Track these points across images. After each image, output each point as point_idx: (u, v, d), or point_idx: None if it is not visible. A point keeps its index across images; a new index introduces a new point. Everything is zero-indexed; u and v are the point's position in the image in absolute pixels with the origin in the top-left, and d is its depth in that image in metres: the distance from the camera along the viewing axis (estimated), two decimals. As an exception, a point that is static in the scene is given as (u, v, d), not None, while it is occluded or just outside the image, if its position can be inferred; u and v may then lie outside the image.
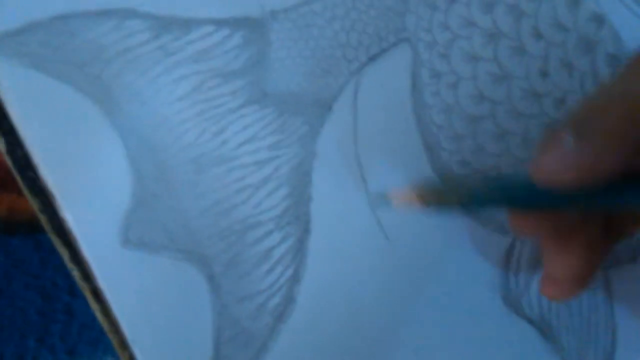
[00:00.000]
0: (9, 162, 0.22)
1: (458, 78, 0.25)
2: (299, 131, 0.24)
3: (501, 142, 0.26)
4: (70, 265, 0.22)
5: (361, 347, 0.23)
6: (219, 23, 0.23)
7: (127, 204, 0.21)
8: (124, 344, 0.22)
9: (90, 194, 0.21)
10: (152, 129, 0.22)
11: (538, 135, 0.26)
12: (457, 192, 0.20)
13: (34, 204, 0.22)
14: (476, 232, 0.25)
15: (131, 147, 0.22)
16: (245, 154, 0.23)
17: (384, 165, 0.24)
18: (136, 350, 0.20)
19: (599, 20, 0.27)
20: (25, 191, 0.22)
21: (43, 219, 0.22)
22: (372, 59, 0.24)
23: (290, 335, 0.22)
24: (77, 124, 0.22)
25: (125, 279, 0.21)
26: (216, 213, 0.22)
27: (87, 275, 0.22)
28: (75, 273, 0.22)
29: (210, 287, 0.22)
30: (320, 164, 0.24)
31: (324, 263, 0.23)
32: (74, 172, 0.21)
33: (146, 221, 0.21)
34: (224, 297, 0.22)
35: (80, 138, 0.21)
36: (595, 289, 0.26)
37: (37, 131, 0.21)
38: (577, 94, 0.27)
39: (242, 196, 0.23)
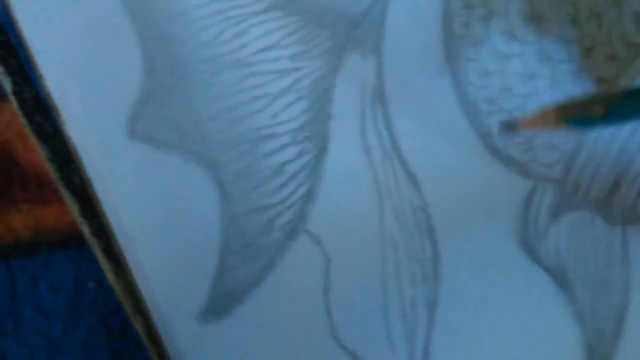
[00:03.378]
0: (15, 105, 0.21)
1: (490, 12, 0.24)
2: (323, 45, 0.22)
3: (528, 83, 0.25)
4: (80, 219, 0.20)
5: (369, 270, 0.21)
6: None
7: (137, 94, 0.20)
8: (137, 309, 0.20)
9: (98, 78, 0.19)
10: (168, 20, 0.20)
11: (564, 82, 0.25)
12: (602, 102, 0.17)
13: (43, 153, 0.20)
14: (497, 172, 0.24)
15: (145, 36, 0.20)
16: (264, 61, 0.22)
17: (408, 89, 0.23)
18: (137, 247, 0.18)
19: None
20: (34, 138, 0.20)
21: (53, 168, 0.20)
22: (406, -23, 0.23)
23: (298, 253, 0.21)
24: (88, 6, 0.20)
25: (131, 173, 0.19)
26: (230, 118, 0.21)
27: (98, 232, 0.20)
28: (85, 228, 0.20)
29: (220, 195, 0.20)
30: (342, 81, 0.22)
31: (340, 184, 0.22)
32: (83, 54, 0.19)
33: (155, 115, 0.20)
34: (234, 207, 0.20)
35: (91, 21, 0.20)
36: (612, 246, 0.25)
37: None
38: (605, 45, 0.26)
39: (258, 104, 0.21)
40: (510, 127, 0.20)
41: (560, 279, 0.24)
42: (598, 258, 0.25)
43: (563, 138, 0.26)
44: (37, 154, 0.21)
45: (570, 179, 0.25)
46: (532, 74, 0.25)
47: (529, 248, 0.24)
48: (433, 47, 0.24)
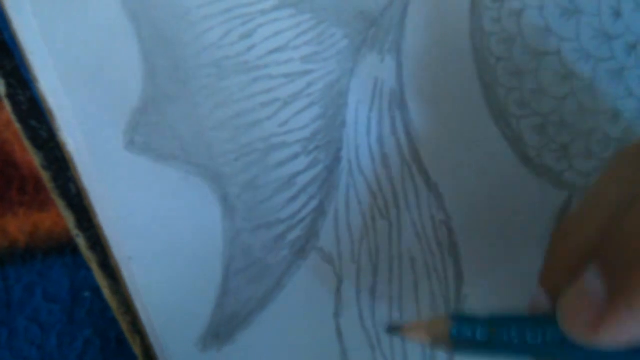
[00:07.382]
0: (8, 108, 0.20)
1: (523, 5, 0.22)
2: (337, 45, 0.21)
3: (565, 84, 0.23)
4: (75, 231, 0.19)
5: (384, 292, 0.20)
6: None
7: (136, 102, 0.18)
8: (134, 328, 0.19)
9: (96, 84, 0.18)
10: (171, 21, 0.19)
11: (605, 83, 0.23)
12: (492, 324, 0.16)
13: (37, 159, 0.19)
14: (528, 182, 0.22)
15: (145, 38, 0.19)
16: (274, 63, 0.20)
17: (430, 93, 0.21)
18: (133, 265, 0.17)
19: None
20: (27, 143, 0.19)
21: (47, 176, 0.19)
22: (430, -31, 0.21)
23: (308, 273, 0.19)
24: (85, 6, 0.18)
25: (128, 185, 0.18)
26: (236, 127, 0.19)
27: (94, 245, 0.19)
28: (81, 241, 0.19)
29: (224, 210, 0.19)
30: (358, 85, 0.21)
31: (354, 197, 0.20)
32: (80, 57, 0.18)
33: (155, 124, 0.18)
34: (239, 222, 0.19)
35: (89, 22, 0.18)
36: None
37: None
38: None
39: (267, 111, 0.20)
40: (394, 330, 0.18)
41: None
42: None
43: (600, 145, 0.24)
44: (36, 157, 0.20)
45: (610, 190, 0.23)
46: (569, 73, 0.23)
47: (562, 266, 0.22)
48: (459, 45, 0.22)
